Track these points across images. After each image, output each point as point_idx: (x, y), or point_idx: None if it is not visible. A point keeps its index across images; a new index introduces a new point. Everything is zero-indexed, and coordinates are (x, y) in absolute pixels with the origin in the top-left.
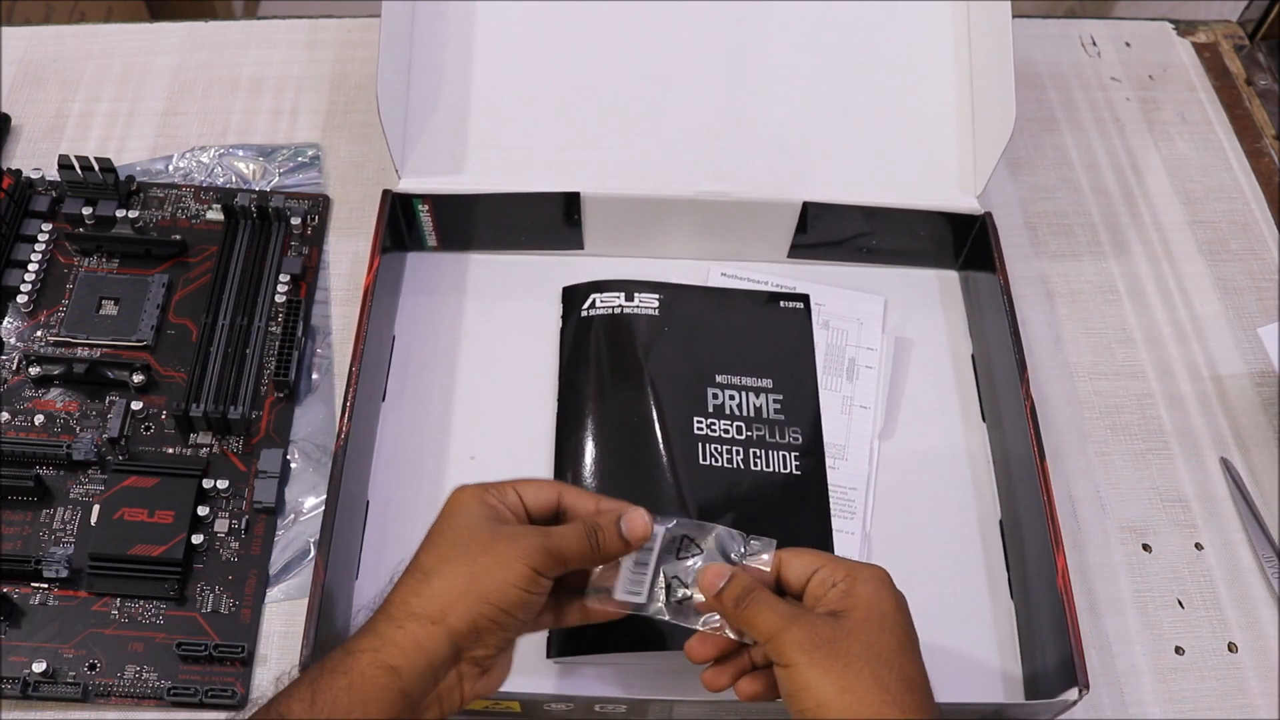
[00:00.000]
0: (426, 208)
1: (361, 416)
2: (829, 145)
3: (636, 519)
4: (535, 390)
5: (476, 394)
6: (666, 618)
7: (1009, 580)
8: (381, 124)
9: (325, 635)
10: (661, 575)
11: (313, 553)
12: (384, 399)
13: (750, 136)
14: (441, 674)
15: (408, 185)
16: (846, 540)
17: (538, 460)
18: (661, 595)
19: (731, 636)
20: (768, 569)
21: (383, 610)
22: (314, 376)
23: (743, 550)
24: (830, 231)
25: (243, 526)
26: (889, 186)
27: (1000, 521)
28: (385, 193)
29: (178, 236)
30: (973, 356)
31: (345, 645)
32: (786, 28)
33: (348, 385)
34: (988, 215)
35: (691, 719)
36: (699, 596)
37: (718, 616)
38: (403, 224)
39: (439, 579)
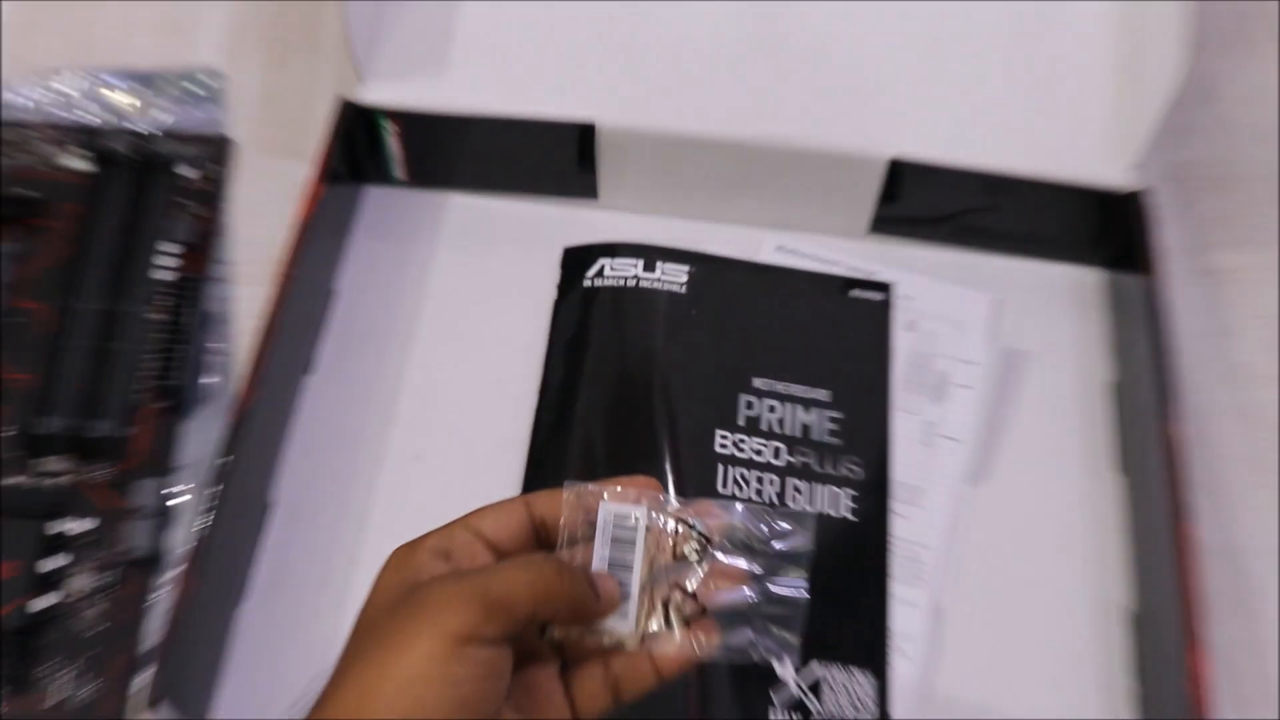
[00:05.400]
0: (395, 128)
1: (273, 391)
2: (931, 86)
3: (608, 579)
4: (512, 377)
5: (435, 374)
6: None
7: (1137, 692)
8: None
9: (175, 680)
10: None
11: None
12: (308, 371)
13: (826, 67)
14: None
15: (371, 96)
16: (908, 613)
17: (504, 469)
18: (657, 620)
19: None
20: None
21: None
22: (209, 380)
23: (768, 533)
24: (929, 203)
25: (110, 584)
26: (1011, 147)
27: (1132, 610)
28: (342, 103)
29: (26, 191)
30: (1117, 385)
31: None
32: None
33: (258, 344)
34: (1142, 193)
35: None
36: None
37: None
38: (361, 147)
39: (343, 681)
